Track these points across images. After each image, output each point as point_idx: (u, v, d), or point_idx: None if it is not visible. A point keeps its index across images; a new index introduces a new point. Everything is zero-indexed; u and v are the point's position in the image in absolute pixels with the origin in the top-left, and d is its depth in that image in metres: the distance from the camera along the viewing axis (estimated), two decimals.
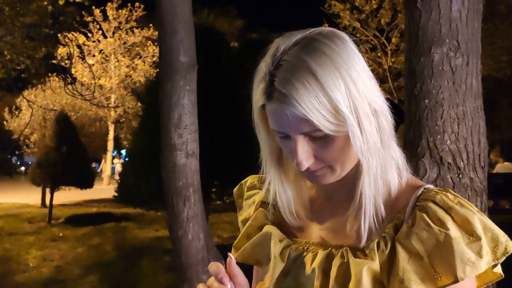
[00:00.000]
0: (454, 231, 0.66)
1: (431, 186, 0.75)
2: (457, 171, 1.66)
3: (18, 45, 7.24)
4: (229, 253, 0.74)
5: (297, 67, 0.64)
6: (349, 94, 0.64)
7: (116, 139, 21.78)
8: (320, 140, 0.67)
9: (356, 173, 0.73)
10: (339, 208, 0.78)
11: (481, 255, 0.65)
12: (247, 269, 0.97)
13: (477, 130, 1.72)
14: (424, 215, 0.68)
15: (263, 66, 0.68)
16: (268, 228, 0.81)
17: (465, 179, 1.67)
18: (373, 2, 9.58)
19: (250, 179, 0.94)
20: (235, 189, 0.97)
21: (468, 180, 1.67)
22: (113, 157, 21.05)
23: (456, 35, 1.71)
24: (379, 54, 10.26)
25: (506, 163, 10.99)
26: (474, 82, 1.73)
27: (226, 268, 0.73)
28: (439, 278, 0.65)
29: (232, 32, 20.25)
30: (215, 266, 0.71)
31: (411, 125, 1.75)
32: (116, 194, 6.83)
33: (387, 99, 0.73)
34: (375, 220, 0.71)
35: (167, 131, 2.30)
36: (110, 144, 21.11)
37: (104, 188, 17.94)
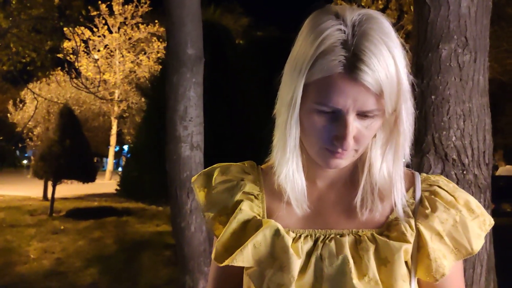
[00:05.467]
0: (463, 211, 0.74)
1: (423, 173, 0.81)
2: (462, 167, 1.67)
3: (25, 38, 7.27)
4: None
5: (379, 44, 0.63)
6: (408, 75, 0.68)
7: (119, 134, 21.85)
8: (366, 121, 0.68)
9: (359, 158, 0.75)
10: (343, 194, 0.78)
11: (482, 229, 0.75)
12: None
13: (482, 127, 1.72)
14: (438, 199, 0.75)
15: (337, 35, 0.64)
16: (269, 222, 0.74)
17: (469, 175, 1.67)
18: (379, 2, 9.60)
19: (218, 169, 0.85)
20: (193, 179, 0.86)
21: (472, 176, 1.68)
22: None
23: (465, 32, 1.71)
24: None
25: (508, 166, 11.01)
26: (481, 79, 1.73)
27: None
28: (457, 252, 0.73)
29: (238, 29, 20.23)
30: None
31: (417, 120, 1.75)
32: (118, 187, 6.86)
33: None
34: (396, 201, 0.74)
35: (173, 123, 2.31)
36: (113, 139, 21.19)
37: (106, 183, 18.01)
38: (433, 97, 1.70)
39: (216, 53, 5.70)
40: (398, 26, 9.71)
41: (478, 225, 0.74)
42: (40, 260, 6.07)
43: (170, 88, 2.27)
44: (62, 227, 8.39)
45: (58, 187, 10.08)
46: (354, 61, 0.63)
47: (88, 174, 10.03)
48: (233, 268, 0.77)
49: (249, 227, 0.76)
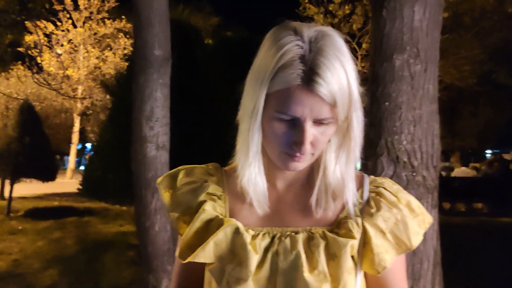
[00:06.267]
0: (405, 210, 0.82)
1: (371, 176, 0.89)
2: (411, 169, 1.80)
3: None
4: None
5: (332, 59, 0.71)
6: (358, 87, 0.75)
7: (82, 132, 21.21)
8: (322, 128, 0.74)
9: (315, 161, 0.82)
10: (300, 194, 0.85)
11: (421, 227, 0.83)
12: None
13: (431, 132, 1.86)
14: (382, 199, 0.82)
15: (295, 50, 0.71)
16: (230, 221, 0.80)
17: (418, 177, 1.81)
18: (346, 7, 9.82)
19: (183, 171, 0.89)
20: (159, 180, 0.90)
21: (421, 178, 1.81)
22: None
23: (417, 43, 1.84)
24: None
25: (463, 168, 11.57)
26: (431, 87, 1.87)
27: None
28: (398, 248, 0.80)
29: (207, 29, 20.12)
30: None
31: (372, 125, 1.87)
32: (80, 186, 6.69)
33: None
34: (347, 201, 0.81)
35: (139, 123, 2.32)
36: (75, 137, 20.53)
37: (67, 182, 17.44)
38: (386, 103, 1.82)
39: (185, 52, 5.69)
40: (363, 31, 9.98)
41: (418, 223, 0.82)
42: None
43: (137, 89, 2.28)
44: (20, 228, 8.06)
45: (16, 186, 9.67)
46: (310, 74, 0.70)
47: (48, 173, 9.70)
48: (196, 265, 0.82)
49: (212, 226, 0.81)
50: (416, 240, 0.81)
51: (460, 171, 11.16)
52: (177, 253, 0.82)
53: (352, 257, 0.78)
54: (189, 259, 0.79)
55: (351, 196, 0.81)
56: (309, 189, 0.83)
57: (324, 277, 0.75)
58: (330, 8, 9.85)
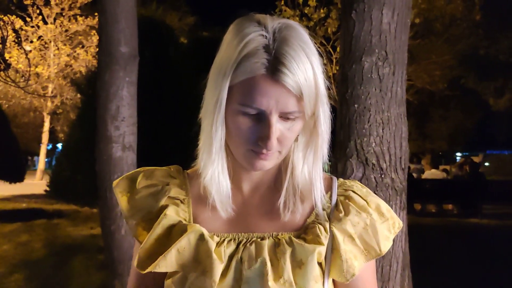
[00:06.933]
0: (374, 214, 0.79)
1: (340, 178, 0.85)
2: (380, 171, 1.80)
3: None
4: None
5: (298, 49, 0.68)
6: (324, 80, 0.72)
7: (52, 131, 20.61)
8: (288, 123, 0.71)
9: (282, 161, 0.78)
10: (267, 197, 0.81)
11: (390, 231, 0.80)
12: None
13: (399, 134, 1.87)
14: (351, 203, 0.79)
15: (259, 40, 0.68)
16: (194, 227, 0.75)
17: (387, 179, 1.81)
18: (321, 11, 9.91)
19: (142, 173, 0.84)
20: (115, 183, 0.84)
21: (390, 180, 1.82)
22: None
23: (385, 46, 1.84)
24: (324, 62, 10.58)
25: (433, 170, 11.90)
26: (399, 90, 1.88)
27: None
28: (367, 254, 0.77)
29: (183, 28, 19.92)
30: None
31: (342, 127, 1.86)
32: (48, 188, 6.47)
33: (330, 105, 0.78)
34: (316, 201, 0.78)
35: (104, 122, 2.24)
36: (45, 136, 19.93)
37: (36, 183, 16.92)
38: (356, 105, 1.82)
39: (158, 51, 5.60)
40: (338, 35, 10.10)
41: (387, 228, 0.79)
42: None
43: (101, 86, 2.20)
44: None
45: None
46: (275, 63, 0.67)
47: (16, 173, 9.36)
48: (155, 274, 0.77)
49: (175, 232, 0.76)
50: (385, 245, 0.78)
51: (430, 173, 11.46)
52: (135, 263, 0.75)
53: (320, 264, 0.75)
54: (149, 269, 0.73)
55: (319, 195, 0.78)
56: (276, 192, 0.79)
57: (290, 286, 0.72)
58: (306, 11, 9.91)
